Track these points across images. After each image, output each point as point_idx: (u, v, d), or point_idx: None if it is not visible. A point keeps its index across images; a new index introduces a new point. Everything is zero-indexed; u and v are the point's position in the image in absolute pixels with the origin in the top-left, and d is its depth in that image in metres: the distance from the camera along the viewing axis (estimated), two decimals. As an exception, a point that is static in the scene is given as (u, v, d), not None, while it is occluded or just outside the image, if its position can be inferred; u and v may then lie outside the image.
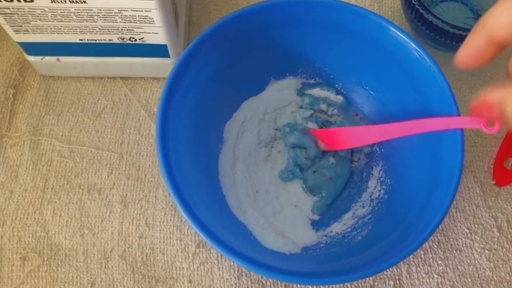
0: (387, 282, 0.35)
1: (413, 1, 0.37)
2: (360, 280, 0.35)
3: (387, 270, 0.35)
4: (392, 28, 0.32)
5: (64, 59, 0.39)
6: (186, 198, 0.29)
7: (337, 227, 0.35)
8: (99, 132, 0.40)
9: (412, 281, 0.35)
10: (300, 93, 0.39)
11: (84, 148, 0.39)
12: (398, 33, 0.32)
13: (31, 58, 0.39)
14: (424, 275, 0.35)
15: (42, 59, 0.39)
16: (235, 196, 0.35)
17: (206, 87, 0.35)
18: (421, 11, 0.37)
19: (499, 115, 0.23)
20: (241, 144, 0.38)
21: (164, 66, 0.39)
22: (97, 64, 0.40)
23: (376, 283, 0.35)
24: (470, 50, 0.24)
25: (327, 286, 0.34)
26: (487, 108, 0.24)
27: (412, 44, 0.32)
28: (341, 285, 0.35)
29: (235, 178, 0.37)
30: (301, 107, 0.40)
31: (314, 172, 0.37)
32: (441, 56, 0.39)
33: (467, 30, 0.36)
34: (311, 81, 0.39)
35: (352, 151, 0.38)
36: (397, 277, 0.35)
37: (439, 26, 0.37)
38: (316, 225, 0.36)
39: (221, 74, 0.36)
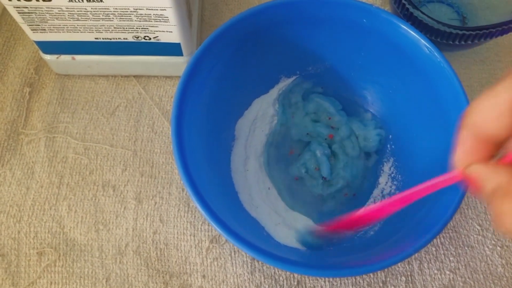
0: (399, 278, 0.35)
1: (403, 0, 0.38)
2: (372, 276, 0.35)
3: (399, 266, 0.36)
4: (402, 26, 0.33)
5: (80, 57, 0.40)
6: (202, 193, 0.29)
7: (349, 223, 0.35)
8: (113, 129, 0.40)
9: (424, 277, 0.35)
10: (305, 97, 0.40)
11: (98, 145, 0.40)
12: (409, 30, 0.33)
13: (47, 57, 0.40)
14: (436, 271, 0.36)
15: (57, 57, 0.40)
16: (247, 192, 0.36)
17: (218, 85, 0.35)
18: (411, 9, 0.37)
19: (481, 193, 0.20)
20: (252, 141, 0.39)
21: (177, 65, 0.40)
22: (112, 63, 0.40)
23: (388, 278, 0.35)
24: (464, 152, 0.21)
25: (340, 279, 0.35)
26: (467, 178, 0.21)
27: (423, 41, 0.32)
28: (354, 280, 0.35)
29: (247, 175, 0.37)
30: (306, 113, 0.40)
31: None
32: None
33: (456, 28, 0.36)
34: (319, 89, 0.40)
35: (365, 151, 0.38)
36: (409, 273, 0.36)
37: (429, 25, 0.37)
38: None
39: (233, 73, 0.36)
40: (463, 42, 0.38)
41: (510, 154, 0.20)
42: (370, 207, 0.33)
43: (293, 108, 0.39)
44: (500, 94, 0.18)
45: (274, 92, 0.40)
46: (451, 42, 0.38)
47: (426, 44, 0.32)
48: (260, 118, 0.39)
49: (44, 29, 0.36)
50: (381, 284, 0.35)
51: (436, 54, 0.32)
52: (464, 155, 0.21)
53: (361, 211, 0.32)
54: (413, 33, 0.33)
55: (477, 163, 0.20)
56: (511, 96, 0.18)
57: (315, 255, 0.33)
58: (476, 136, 0.20)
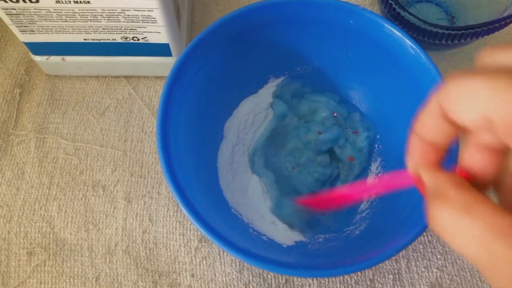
0: (387, 276, 0.36)
1: (390, 0, 0.38)
2: (359, 274, 0.36)
3: (387, 264, 0.36)
4: (388, 26, 0.33)
5: (69, 58, 0.40)
6: (187, 194, 0.29)
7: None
8: (103, 130, 0.41)
9: (411, 275, 0.36)
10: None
11: (88, 146, 0.40)
12: (394, 31, 0.33)
13: (37, 58, 0.40)
14: (423, 269, 0.36)
15: (47, 58, 0.40)
16: (232, 191, 0.36)
17: (206, 85, 0.35)
18: (398, 9, 0.37)
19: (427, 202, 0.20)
20: (240, 141, 0.39)
21: (167, 65, 0.40)
22: (101, 64, 0.40)
23: (376, 277, 0.36)
24: (414, 155, 0.21)
25: (326, 279, 0.35)
26: (415, 180, 0.21)
27: (408, 41, 0.32)
28: (342, 278, 0.35)
29: (233, 173, 0.37)
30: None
31: None
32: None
33: (442, 28, 0.36)
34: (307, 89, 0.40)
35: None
36: (396, 271, 0.36)
37: (416, 25, 0.37)
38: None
39: (221, 73, 0.36)
40: (450, 42, 0.38)
41: (456, 168, 0.20)
42: (342, 189, 0.33)
43: (285, 108, 0.40)
44: (432, 104, 0.19)
45: (263, 92, 0.40)
46: (438, 42, 0.38)
47: (412, 45, 0.32)
48: (250, 118, 0.39)
49: (33, 30, 0.36)
50: (368, 282, 0.35)
51: (421, 55, 0.32)
52: (413, 159, 0.21)
53: (334, 192, 0.32)
54: (398, 34, 0.33)
55: (422, 168, 0.21)
56: (440, 105, 0.18)
57: (303, 254, 0.33)
58: (422, 142, 0.20)
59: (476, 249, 0.16)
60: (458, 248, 0.17)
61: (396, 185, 0.25)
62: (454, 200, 0.18)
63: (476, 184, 0.19)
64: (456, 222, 0.17)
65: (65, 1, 0.33)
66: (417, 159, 0.21)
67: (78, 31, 0.36)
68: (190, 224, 0.37)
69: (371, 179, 0.37)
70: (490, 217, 0.16)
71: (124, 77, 0.43)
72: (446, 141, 0.20)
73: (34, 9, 0.33)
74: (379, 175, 0.37)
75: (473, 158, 0.19)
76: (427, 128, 0.20)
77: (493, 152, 0.19)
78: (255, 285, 0.35)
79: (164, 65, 0.40)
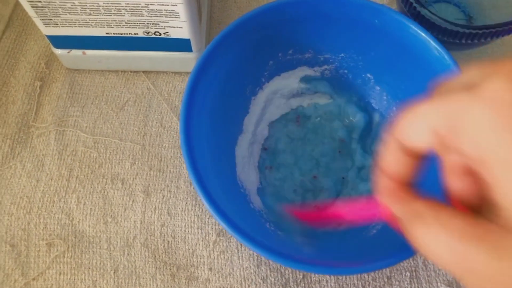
0: (404, 273, 0.36)
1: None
2: (377, 271, 0.36)
3: (404, 261, 0.36)
4: (413, 27, 0.33)
5: (90, 52, 0.40)
6: (208, 187, 0.29)
7: (353, 219, 0.36)
8: (122, 124, 0.41)
9: (428, 273, 0.36)
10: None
11: (107, 139, 0.40)
12: (419, 31, 0.33)
13: (58, 51, 0.40)
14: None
15: (68, 52, 0.40)
16: (250, 187, 0.36)
17: (227, 81, 0.36)
18: (418, 8, 0.38)
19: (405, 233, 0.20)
20: (256, 134, 0.39)
21: (186, 61, 0.40)
22: (122, 58, 0.41)
23: (393, 274, 0.36)
24: (388, 159, 0.21)
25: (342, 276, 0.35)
26: (387, 216, 0.21)
27: (433, 42, 0.32)
28: (359, 275, 0.35)
29: (250, 168, 0.37)
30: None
31: None
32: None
33: (463, 27, 0.37)
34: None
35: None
36: (413, 269, 0.36)
37: (436, 23, 0.37)
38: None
39: (243, 68, 0.37)
40: (469, 41, 0.38)
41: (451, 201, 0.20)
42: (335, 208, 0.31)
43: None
44: (389, 140, 0.20)
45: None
46: (458, 41, 0.38)
47: (436, 46, 0.32)
48: (268, 113, 0.40)
49: (57, 24, 0.36)
50: (385, 279, 0.35)
51: (445, 57, 0.32)
52: (383, 195, 0.22)
53: (328, 209, 0.31)
54: (423, 35, 0.33)
55: (391, 202, 0.21)
56: (396, 139, 0.20)
57: (320, 252, 0.33)
58: (388, 178, 0.21)
59: (448, 259, 0.17)
60: (441, 265, 0.18)
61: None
62: (431, 220, 0.18)
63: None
64: (437, 240, 0.18)
65: (91, -5, 0.33)
66: (385, 195, 0.21)
67: (101, 25, 0.36)
68: (209, 218, 0.37)
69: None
70: (464, 227, 0.17)
71: (143, 72, 0.43)
72: (410, 172, 0.21)
73: (60, 2, 0.34)
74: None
75: (457, 185, 0.20)
76: (390, 163, 0.21)
77: (471, 173, 0.19)
78: (272, 279, 0.35)
79: (184, 60, 0.41)
